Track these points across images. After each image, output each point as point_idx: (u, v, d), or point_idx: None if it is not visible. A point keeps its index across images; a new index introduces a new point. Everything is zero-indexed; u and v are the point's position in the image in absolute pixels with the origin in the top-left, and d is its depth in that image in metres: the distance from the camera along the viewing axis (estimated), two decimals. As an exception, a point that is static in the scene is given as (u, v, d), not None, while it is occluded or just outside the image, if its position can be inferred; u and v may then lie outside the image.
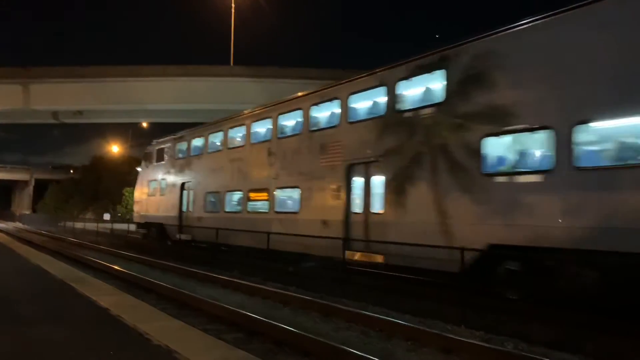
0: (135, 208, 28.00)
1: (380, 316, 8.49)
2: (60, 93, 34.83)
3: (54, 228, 46.30)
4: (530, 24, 9.88)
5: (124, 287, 11.20)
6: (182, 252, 19.77)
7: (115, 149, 66.67)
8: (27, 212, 79.23)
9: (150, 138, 30.20)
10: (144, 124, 54.42)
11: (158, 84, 34.53)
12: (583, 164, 8.65)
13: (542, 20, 9.65)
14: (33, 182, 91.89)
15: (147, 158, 26.90)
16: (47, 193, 75.91)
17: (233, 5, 39.23)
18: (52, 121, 39.57)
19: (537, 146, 9.63)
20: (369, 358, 5.93)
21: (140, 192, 27.21)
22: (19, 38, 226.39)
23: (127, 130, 65.36)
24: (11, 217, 79.41)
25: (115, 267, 15.01)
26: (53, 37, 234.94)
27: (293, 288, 11.80)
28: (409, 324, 7.92)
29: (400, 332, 7.70)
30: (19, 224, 63.12)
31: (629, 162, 8.12)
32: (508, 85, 10.01)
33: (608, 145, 8.68)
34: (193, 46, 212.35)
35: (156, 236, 24.28)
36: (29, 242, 26.15)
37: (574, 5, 9.15)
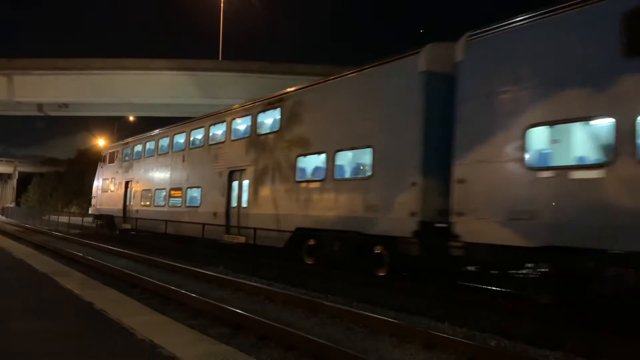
0: (92, 202, 33.34)
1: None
2: (44, 85, 34.33)
3: (37, 221, 45.78)
4: (313, 85, 15.63)
5: (108, 281, 11.15)
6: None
7: (101, 142, 65.85)
8: (11, 205, 78.20)
9: (137, 132, 30.18)
10: (130, 118, 53.92)
11: (144, 78, 34.20)
12: (338, 176, 13.85)
13: (319, 84, 15.39)
14: (17, 175, 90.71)
15: (103, 160, 32.06)
16: (30, 186, 75.09)
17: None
18: (36, 113, 39.08)
19: (320, 164, 14.56)
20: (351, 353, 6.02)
21: (96, 189, 32.63)
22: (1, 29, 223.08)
23: (113, 124, 64.57)
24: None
25: (99, 261, 14.92)
26: (35, 28, 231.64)
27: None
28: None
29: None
30: (1, 217, 62.33)
31: (359, 175, 13.51)
32: (308, 123, 15.14)
33: (351, 165, 13.92)
34: (181, 40, 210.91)
35: (106, 225, 29.31)
36: (12, 236, 25.88)
37: (330, 78, 14.96)
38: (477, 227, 9.74)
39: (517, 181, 9.32)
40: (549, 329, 7.70)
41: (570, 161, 8.95)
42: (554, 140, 9.28)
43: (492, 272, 10.95)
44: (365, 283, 11.60)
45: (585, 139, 9.03)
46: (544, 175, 8.91)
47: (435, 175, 11.08)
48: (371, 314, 8.27)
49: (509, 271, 9.99)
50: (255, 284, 11.48)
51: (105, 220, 29.53)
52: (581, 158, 8.92)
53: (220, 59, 36.89)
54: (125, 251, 18.55)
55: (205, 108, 30.97)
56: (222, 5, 39.03)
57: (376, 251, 12.31)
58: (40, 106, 37.62)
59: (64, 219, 40.58)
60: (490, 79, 9.97)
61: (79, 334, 5.83)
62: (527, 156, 9.18)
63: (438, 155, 10.97)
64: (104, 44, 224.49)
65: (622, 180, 7.88)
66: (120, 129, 61.36)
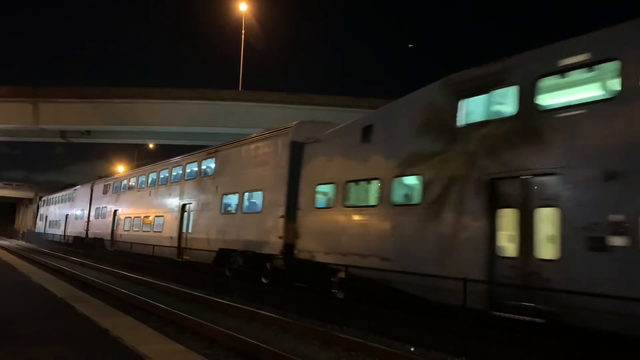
0: (36, 225, 62.66)
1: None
2: (68, 113, 35.22)
3: (56, 245, 46.23)
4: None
5: (124, 308, 11.16)
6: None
7: (120, 169, 66.77)
8: (31, 230, 79.12)
9: (156, 159, 30.75)
10: (150, 145, 54.76)
11: (165, 106, 34.85)
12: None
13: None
14: (37, 200, 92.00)
15: (40, 203, 63.40)
16: (50, 211, 75.95)
17: (243, 31, 39.93)
18: (60, 140, 39.92)
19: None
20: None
21: (37, 219, 62.97)
22: (29, 58, 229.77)
23: (133, 150, 65.68)
24: (15, 235, 79.33)
25: (116, 288, 14.97)
26: (60, 57, 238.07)
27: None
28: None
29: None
30: (21, 242, 63.02)
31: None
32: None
33: None
34: (202, 71, 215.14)
35: (36, 239, 53.96)
36: (30, 260, 26.12)
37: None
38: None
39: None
40: None
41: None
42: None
43: None
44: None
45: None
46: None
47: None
48: (387, 348, 8.15)
49: None
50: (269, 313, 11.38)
51: (37, 235, 56.18)
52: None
53: (240, 89, 37.46)
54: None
55: (225, 137, 31.36)
56: (242, 38, 39.83)
57: None
58: (63, 133, 38.49)
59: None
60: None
61: (95, 361, 5.81)
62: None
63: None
64: (126, 74, 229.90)
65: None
66: (140, 156, 62.30)
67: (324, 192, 14.46)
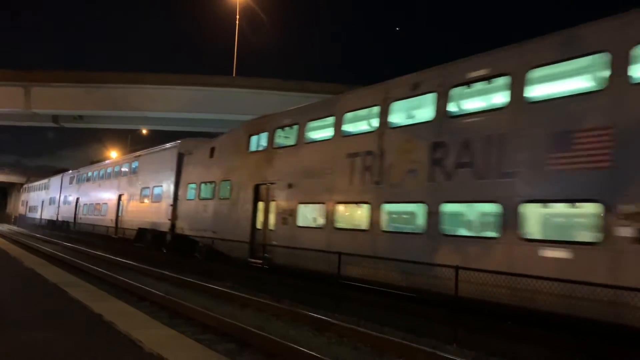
0: (19, 210, 69.58)
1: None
2: (61, 97, 34.81)
3: (47, 230, 46.11)
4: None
5: (117, 293, 11.19)
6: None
7: (113, 154, 66.36)
8: (22, 214, 78.74)
9: (150, 144, 30.70)
10: (144, 131, 54.44)
11: (158, 92, 34.53)
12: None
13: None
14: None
15: (22, 190, 70.59)
16: (42, 196, 75.70)
17: (237, 17, 39.64)
18: (52, 125, 39.54)
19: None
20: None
21: (20, 203, 70.85)
22: (21, 41, 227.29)
23: (126, 136, 65.20)
24: (7, 219, 78.97)
25: (109, 273, 14.98)
26: (54, 41, 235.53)
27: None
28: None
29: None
30: (13, 227, 62.75)
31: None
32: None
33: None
34: (196, 57, 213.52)
35: (21, 220, 63.03)
36: (22, 245, 26.07)
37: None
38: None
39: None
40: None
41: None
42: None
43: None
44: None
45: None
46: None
47: None
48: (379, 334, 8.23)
49: None
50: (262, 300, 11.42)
51: (21, 218, 63.26)
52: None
53: (234, 75, 37.20)
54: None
55: (219, 123, 31.22)
56: (237, 23, 39.54)
57: None
58: (55, 118, 38.11)
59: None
60: None
61: (87, 345, 5.84)
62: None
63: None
64: (121, 59, 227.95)
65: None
66: (134, 141, 61.95)
67: (191, 188, 21.64)
